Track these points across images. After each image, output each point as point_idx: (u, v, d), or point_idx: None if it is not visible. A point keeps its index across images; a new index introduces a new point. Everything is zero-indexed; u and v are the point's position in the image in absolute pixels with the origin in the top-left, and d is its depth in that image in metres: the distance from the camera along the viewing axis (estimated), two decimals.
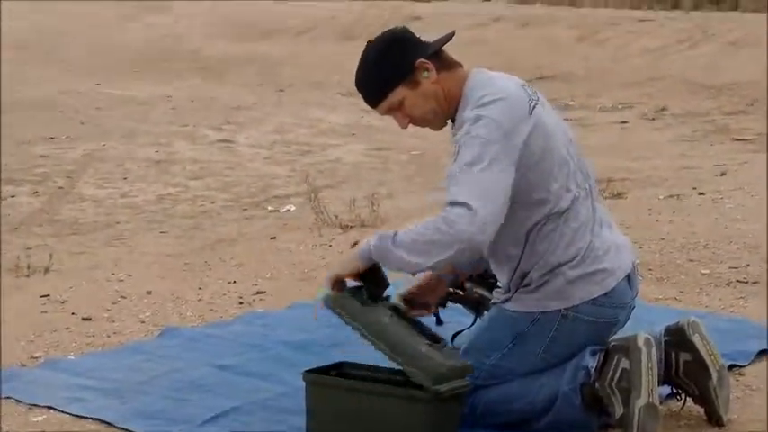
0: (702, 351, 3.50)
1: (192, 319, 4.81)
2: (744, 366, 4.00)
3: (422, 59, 3.41)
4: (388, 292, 3.45)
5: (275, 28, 16.40)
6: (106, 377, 4.04)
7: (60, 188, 8.06)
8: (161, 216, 7.28)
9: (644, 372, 3.30)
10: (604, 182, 6.83)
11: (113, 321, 4.78)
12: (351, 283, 3.41)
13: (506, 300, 3.46)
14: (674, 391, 3.58)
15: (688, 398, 3.56)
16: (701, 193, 6.96)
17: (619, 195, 6.92)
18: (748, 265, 5.28)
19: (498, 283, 3.55)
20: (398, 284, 3.74)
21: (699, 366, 3.50)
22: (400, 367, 3.28)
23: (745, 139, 9.26)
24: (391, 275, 3.40)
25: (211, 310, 4.92)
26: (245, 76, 13.96)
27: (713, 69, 11.88)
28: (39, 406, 3.79)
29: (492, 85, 3.40)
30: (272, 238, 6.39)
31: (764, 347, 4.13)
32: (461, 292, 4.01)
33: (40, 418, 3.71)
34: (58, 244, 6.44)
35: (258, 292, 5.16)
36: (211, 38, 16.41)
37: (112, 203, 7.62)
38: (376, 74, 3.43)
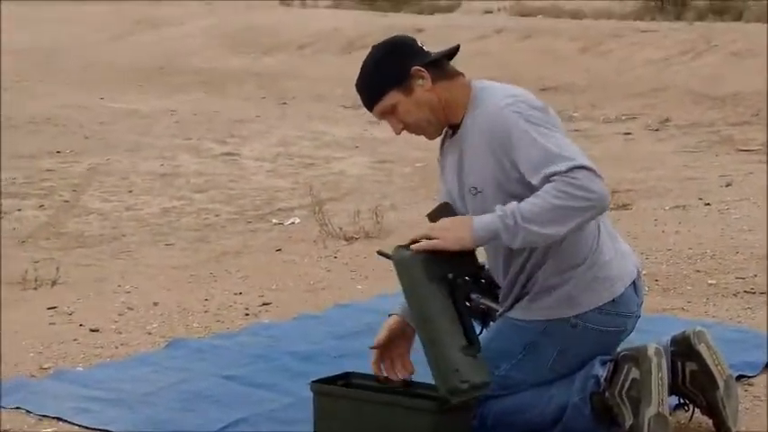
0: (708, 361, 3.48)
1: (198, 330, 4.81)
2: (752, 377, 3.98)
3: (417, 67, 3.39)
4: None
5: (277, 41, 16.43)
6: (114, 388, 4.05)
7: (66, 201, 8.07)
8: (166, 228, 7.28)
9: (654, 382, 3.29)
10: (609, 193, 6.82)
11: (121, 333, 4.78)
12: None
13: (511, 307, 3.44)
14: (682, 401, 3.56)
15: (696, 409, 3.55)
16: (707, 204, 6.96)
17: (624, 206, 6.92)
18: (756, 275, 5.28)
19: (501, 290, 3.50)
20: None
21: (705, 376, 3.48)
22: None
23: (750, 150, 9.26)
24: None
25: (218, 321, 4.93)
26: (247, 89, 13.99)
27: (717, 80, 11.90)
28: (48, 417, 3.80)
29: (505, 89, 3.41)
30: (277, 251, 6.39)
31: None
32: (468, 304, 3.99)
33: (49, 430, 3.72)
34: (65, 257, 6.45)
35: (264, 304, 5.17)
36: (213, 51, 16.45)
37: (118, 216, 7.63)
38: (372, 76, 3.43)
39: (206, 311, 5.06)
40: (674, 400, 3.56)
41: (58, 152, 9.88)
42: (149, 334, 4.76)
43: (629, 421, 3.31)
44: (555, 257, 3.37)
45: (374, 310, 4.83)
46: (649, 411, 3.28)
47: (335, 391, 3.46)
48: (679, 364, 3.50)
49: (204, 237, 7.03)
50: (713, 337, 3.54)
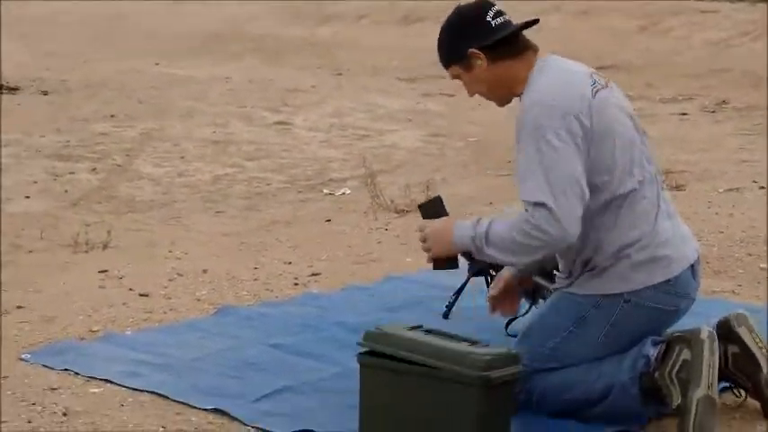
0: (750, 343, 3.49)
1: (247, 298, 4.83)
2: None
3: (473, 50, 3.45)
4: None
5: (335, 11, 16.40)
6: (162, 353, 4.08)
7: (119, 166, 8.11)
8: (217, 196, 7.30)
9: (705, 364, 3.29)
10: (663, 173, 6.76)
11: (170, 298, 4.81)
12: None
13: (569, 284, 3.47)
14: (731, 385, 3.56)
15: (745, 392, 3.54)
16: (762, 187, 6.88)
17: (678, 188, 6.86)
18: None
19: (560, 270, 3.54)
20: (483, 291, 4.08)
21: (747, 358, 3.49)
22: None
23: None
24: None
25: (267, 289, 4.94)
26: (304, 58, 13.97)
27: None
28: (96, 378, 3.83)
29: (561, 71, 3.45)
30: (327, 221, 6.39)
31: None
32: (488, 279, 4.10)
33: (96, 390, 3.75)
34: (116, 221, 6.49)
35: (313, 274, 5.17)
36: (271, 20, 16.44)
37: (169, 182, 7.66)
38: (440, 48, 3.57)
39: (255, 280, 5.08)
40: (723, 383, 3.54)
41: (113, 116, 9.92)
42: (198, 300, 4.78)
43: (676, 401, 3.30)
44: (610, 240, 3.38)
45: (423, 283, 4.84)
46: (698, 393, 3.27)
47: (383, 364, 3.45)
48: (722, 347, 3.49)
49: (255, 205, 7.05)
50: (763, 321, 3.52)
